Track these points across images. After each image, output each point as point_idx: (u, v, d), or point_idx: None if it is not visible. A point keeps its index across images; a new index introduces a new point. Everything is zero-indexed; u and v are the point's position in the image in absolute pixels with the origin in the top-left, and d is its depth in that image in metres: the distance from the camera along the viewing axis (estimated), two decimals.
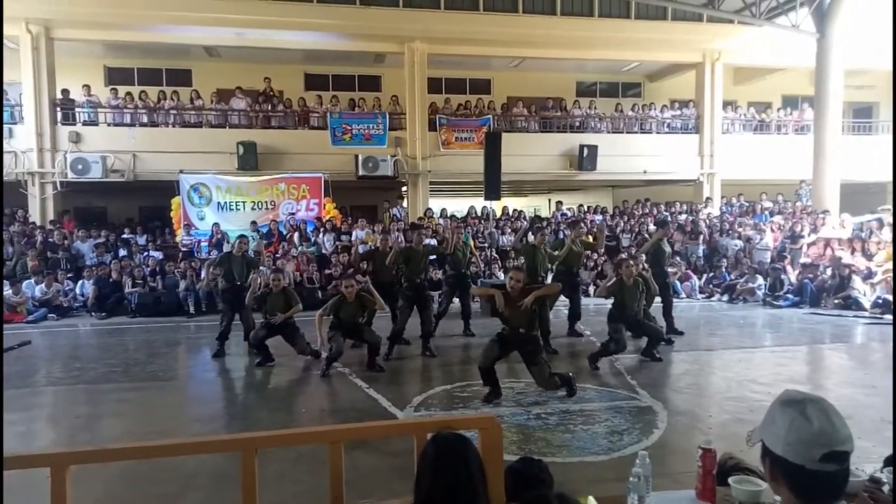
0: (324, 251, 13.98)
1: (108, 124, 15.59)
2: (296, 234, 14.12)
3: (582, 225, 10.07)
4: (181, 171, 14.89)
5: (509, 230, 15.32)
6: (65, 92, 15.37)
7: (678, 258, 13.39)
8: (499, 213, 17.12)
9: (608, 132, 17.95)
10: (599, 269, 13.72)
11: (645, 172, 17.67)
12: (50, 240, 13.57)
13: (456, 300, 9.48)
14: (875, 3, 15.47)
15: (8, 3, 12.81)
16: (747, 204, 17.30)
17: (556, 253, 8.64)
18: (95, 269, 12.50)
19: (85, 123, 15.43)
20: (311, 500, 3.75)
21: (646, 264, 8.77)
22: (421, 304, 8.18)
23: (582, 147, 16.93)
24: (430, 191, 17.33)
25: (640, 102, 19.45)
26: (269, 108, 16.57)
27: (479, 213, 16.56)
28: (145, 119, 15.77)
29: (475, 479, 1.69)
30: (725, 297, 13.06)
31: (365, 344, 7.41)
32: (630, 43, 17.06)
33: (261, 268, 9.74)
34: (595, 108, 18.49)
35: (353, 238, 14.41)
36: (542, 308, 7.38)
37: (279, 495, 3.84)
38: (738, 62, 18.84)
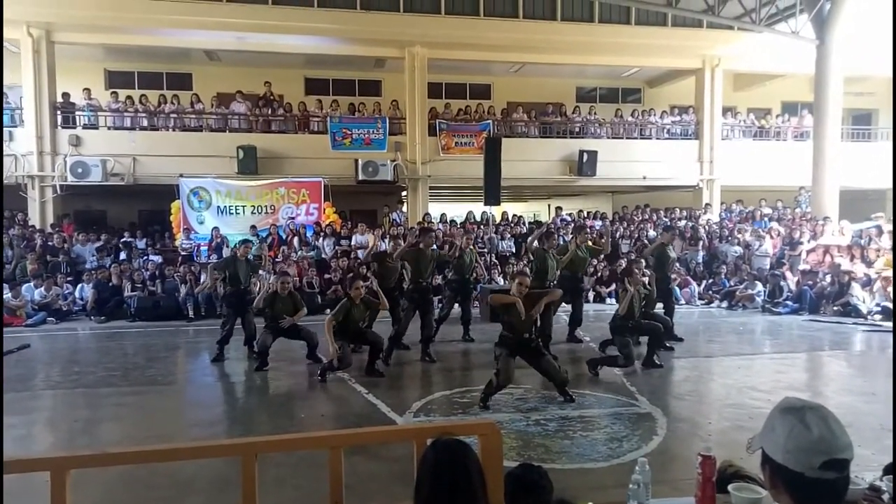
0: (323, 256, 13.98)
1: (109, 128, 15.61)
2: (295, 239, 14.12)
3: (587, 230, 10.09)
4: (181, 175, 14.89)
5: (509, 235, 15.33)
6: (65, 95, 15.39)
7: (677, 264, 13.40)
8: (498, 219, 17.13)
9: (608, 138, 17.97)
10: (599, 274, 13.72)
11: (644, 178, 17.69)
12: (49, 243, 13.57)
13: (456, 305, 9.48)
14: (874, 11, 15.52)
15: (9, 6, 12.83)
16: (747, 210, 17.32)
17: (562, 258, 8.68)
18: (95, 273, 12.50)
19: (85, 127, 15.44)
20: None
21: (646, 270, 8.76)
22: (423, 308, 8.19)
23: (582, 152, 16.95)
24: (430, 196, 17.35)
25: (640, 108, 19.49)
26: (270, 112, 16.59)
27: (479, 219, 16.56)
28: (145, 123, 15.78)
29: (475, 484, 1.69)
30: (725, 304, 13.05)
31: (365, 347, 7.40)
32: (630, 48, 17.10)
33: (261, 272, 9.74)
34: (595, 113, 18.52)
35: (352, 242, 14.42)
36: (546, 313, 7.38)
37: (279, 500, 3.83)
38: (738, 68, 18.88)
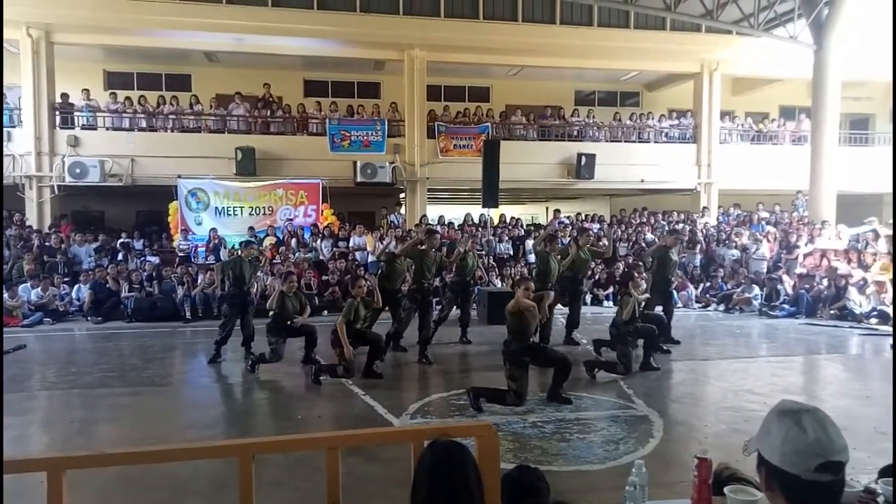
0: (321, 257, 13.97)
1: (107, 129, 15.59)
2: (293, 240, 14.11)
3: (590, 232, 10.13)
4: (179, 176, 14.89)
5: (507, 238, 15.34)
6: (64, 96, 15.38)
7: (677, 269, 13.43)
8: (496, 221, 17.14)
9: (606, 141, 18.00)
10: (596, 277, 13.72)
11: (642, 181, 17.72)
12: (47, 244, 13.54)
13: (455, 307, 9.51)
14: (872, 16, 15.58)
15: (8, 6, 12.82)
16: (744, 214, 17.35)
17: (563, 261, 8.74)
18: (92, 274, 12.47)
19: (83, 127, 15.42)
20: None
21: (644, 275, 8.77)
22: (423, 309, 8.22)
23: (580, 156, 16.98)
24: (428, 198, 17.36)
25: (639, 112, 19.52)
26: (268, 113, 16.59)
27: (477, 221, 16.57)
28: (144, 124, 15.77)
29: (472, 486, 1.69)
30: (722, 307, 13.07)
31: (365, 347, 7.39)
32: (629, 52, 17.14)
33: (258, 273, 9.75)
34: (593, 116, 18.56)
35: (350, 244, 14.42)
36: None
37: (276, 502, 3.83)
38: (736, 72, 18.94)
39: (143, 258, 13.71)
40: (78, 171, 14.48)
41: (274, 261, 13.03)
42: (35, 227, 14.45)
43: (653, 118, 18.61)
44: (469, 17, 16.09)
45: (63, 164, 14.58)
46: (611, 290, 13.14)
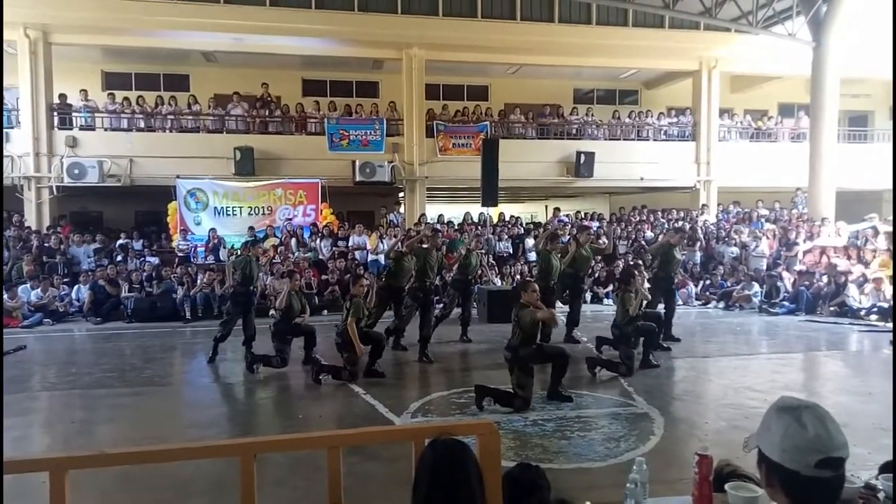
0: (321, 257, 13.97)
1: (105, 129, 15.57)
2: (293, 240, 14.10)
3: (591, 230, 10.19)
4: (178, 177, 14.87)
5: (506, 236, 15.34)
6: (62, 96, 15.36)
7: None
8: (495, 220, 17.13)
9: (605, 139, 18.00)
10: (596, 275, 13.73)
11: (642, 179, 17.71)
12: (46, 244, 13.53)
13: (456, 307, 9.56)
14: (871, 13, 15.58)
15: (6, 7, 12.80)
16: (744, 211, 17.36)
17: (564, 259, 8.81)
18: (92, 274, 12.47)
19: (82, 128, 15.40)
20: None
21: (645, 272, 8.79)
22: (424, 307, 8.27)
23: (579, 154, 16.97)
24: (428, 197, 17.35)
25: (638, 110, 19.51)
26: (267, 113, 16.57)
27: (476, 220, 16.57)
28: (142, 124, 15.75)
29: (473, 484, 1.69)
30: (722, 304, 13.08)
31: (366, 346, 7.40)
32: (627, 50, 17.12)
33: (260, 273, 9.76)
34: (592, 115, 18.55)
35: (349, 244, 14.42)
36: None
37: (277, 501, 3.83)
38: (735, 70, 18.92)
39: (142, 258, 13.70)
40: (76, 171, 14.47)
41: (274, 260, 13.03)
42: (34, 228, 14.43)
43: (652, 116, 18.60)
44: (467, 15, 16.07)
45: (61, 165, 14.56)
46: (610, 287, 13.14)
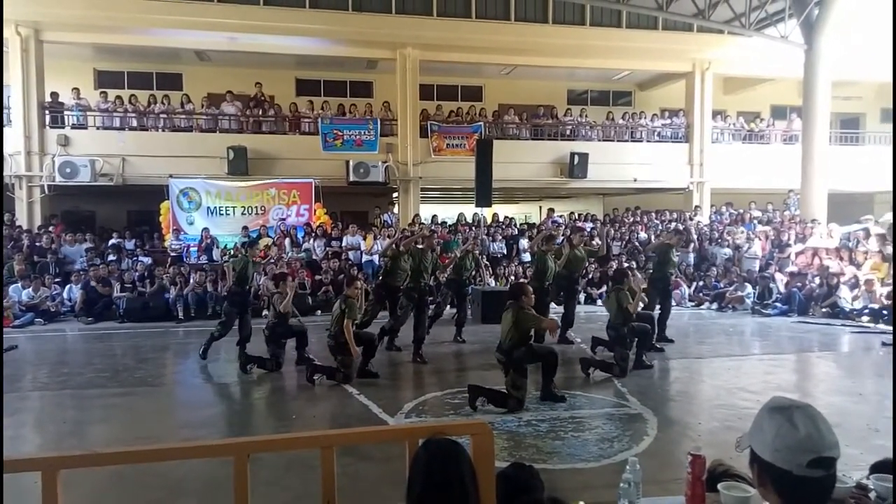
0: (314, 257, 13.94)
1: (98, 128, 15.48)
2: (287, 240, 14.07)
3: (585, 231, 10.23)
4: (171, 176, 14.81)
5: (500, 237, 15.35)
6: (54, 95, 15.26)
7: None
8: (489, 220, 17.14)
9: (599, 140, 18.03)
10: (590, 276, 13.75)
11: (635, 181, 17.77)
12: (37, 244, 13.45)
13: (449, 307, 9.58)
14: (863, 16, 15.70)
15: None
16: (736, 213, 17.44)
17: (559, 261, 8.86)
18: (84, 274, 12.40)
19: (74, 127, 15.31)
20: None
21: (640, 273, 8.84)
22: (419, 308, 8.28)
23: (573, 155, 17.00)
24: (421, 197, 17.34)
25: (631, 111, 19.56)
26: (260, 112, 16.52)
27: (470, 220, 16.57)
28: (135, 123, 15.67)
29: (467, 484, 1.70)
30: (714, 306, 13.14)
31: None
32: (621, 52, 17.18)
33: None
34: (586, 116, 18.58)
35: (343, 244, 14.39)
36: None
37: (271, 502, 3.82)
38: (728, 72, 19.02)
39: (134, 258, 13.63)
40: (68, 170, 14.37)
41: (270, 261, 12.99)
42: (25, 228, 14.34)
43: (645, 117, 18.67)
44: (462, 16, 16.08)
45: (53, 164, 14.47)
46: (604, 288, 13.16)
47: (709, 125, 18.41)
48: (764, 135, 19.13)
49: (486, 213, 16.11)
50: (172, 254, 14.05)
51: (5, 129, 14.67)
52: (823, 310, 11.81)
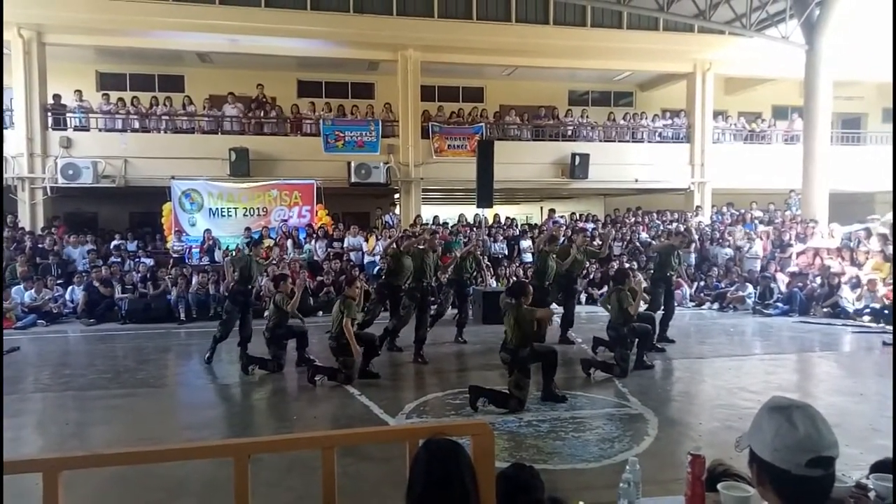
0: (316, 258, 13.95)
1: (100, 130, 15.50)
2: (288, 241, 14.08)
3: (587, 233, 10.24)
4: (173, 177, 14.83)
5: (501, 238, 15.35)
6: (56, 97, 15.29)
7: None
8: (490, 221, 17.14)
9: (600, 141, 18.02)
10: (591, 276, 13.75)
11: (636, 181, 17.76)
12: (40, 245, 13.47)
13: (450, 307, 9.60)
14: (863, 16, 15.68)
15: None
16: (738, 213, 17.43)
17: (563, 262, 8.88)
18: (87, 275, 12.41)
19: (76, 129, 15.33)
20: None
21: (637, 273, 8.84)
22: (421, 308, 8.28)
23: (574, 155, 17.00)
24: (423, 198, 17.35)
25: (632, 111, 19.55)
26: (262, 114, 16.54)
27: (472, 221, 16.57)
28: (137, 125, 15.70)
29: (467, 484, 1.70)
30: (716, 306, 13.13)
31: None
32: (622, 53, 17.18)
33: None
34: (587, 116, 18.59)
35: (345, 245, 14.40)
36: None
37: (271, 502, 3.83)
38: (729, 72, 19.01)
39: (136, 259, 13.65)
40: (70, 172, 14.40)
41: (272, 262, 13.01)
42: (28, 229, 14.36)
43: (646, 118, 18.66)
44: (463, 17, 16.09)
45: (55, 166, 14.50)
46: (605, 289, 13.15)
47: (710, 125, 18.40)
48: (765, 135, 19.11)
49: (488, 213, 16.12)
50: (174, 255, 14.06)
51: (8, 132, 14.70)
52: (825, 310, 11.80)
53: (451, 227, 16.02)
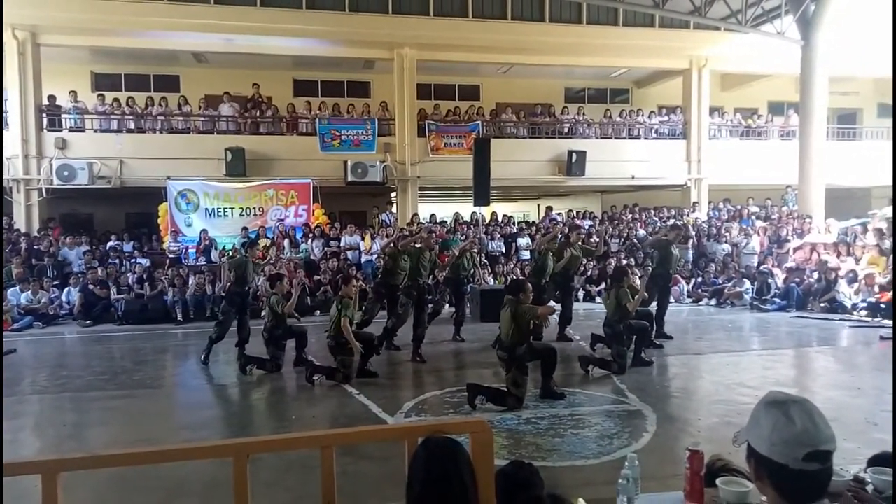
0: (312, 257, 13.94)
1: (95, 130, 15.47)
2: (286, 241, 14.06)
3: (582, 229, 10.26)
4: (169, 178, 14.80)
5: (499, 235, 15.36)
6: (51, 98, 15.25)
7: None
8: (488, 219, 17.14)
9: (597, 138, 18.04)
10: (589, 274, 13.76)
11: (633, 178, 17.78)
12: (35, 247, 13.43)
13: (447, 306, 9.59)
14: (858, 11, 15.71)
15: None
16: (734, 209, 17.46)
17: (559, 261, 8.90)
18: (83, 276, 12.38)
19: (71, 129, 15.29)
20: None
21: (636, 269, 8.87)
22: (418, 306, 8.29)
23: (571, 153, 17.01)
24: (420, 196, 17.35)
25: (629, 108, 19.59)
26: (258, 113, 16.52)
27: (469, 219, 16.58)
28: (132, 125, 15.66)
29: (466, 482, 1.70)
30: (713, 301, 13.15)
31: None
32: (618, 49, 17.19)
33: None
34: (584, 113, 18.59)
35: (341, 244, 14.39)
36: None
37: (271, 502, 3.82)
38: (725, 69, 19.03)
39: (133, 260, 13.62)
40: (66, 173, 14.37)
41: (269, 261, 12.98)
42: (23, 231, 14.32)
43: (643, 115, 18.68)
44: (458, 15, 16.08)
45: (51, 167, 14.46)
46: (602, 286, 13.17)
47: (706, 122, 18.43)
48: (761, 131, 19.15)
49: (485, 211, 16.12)
50: (171, 256, 14.03)
51: (3, 133, 14.66)
52: (822, 305, 11.83)
53: (449, 226, 16.00)
